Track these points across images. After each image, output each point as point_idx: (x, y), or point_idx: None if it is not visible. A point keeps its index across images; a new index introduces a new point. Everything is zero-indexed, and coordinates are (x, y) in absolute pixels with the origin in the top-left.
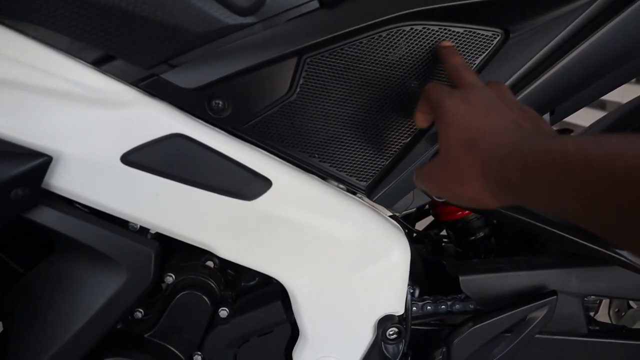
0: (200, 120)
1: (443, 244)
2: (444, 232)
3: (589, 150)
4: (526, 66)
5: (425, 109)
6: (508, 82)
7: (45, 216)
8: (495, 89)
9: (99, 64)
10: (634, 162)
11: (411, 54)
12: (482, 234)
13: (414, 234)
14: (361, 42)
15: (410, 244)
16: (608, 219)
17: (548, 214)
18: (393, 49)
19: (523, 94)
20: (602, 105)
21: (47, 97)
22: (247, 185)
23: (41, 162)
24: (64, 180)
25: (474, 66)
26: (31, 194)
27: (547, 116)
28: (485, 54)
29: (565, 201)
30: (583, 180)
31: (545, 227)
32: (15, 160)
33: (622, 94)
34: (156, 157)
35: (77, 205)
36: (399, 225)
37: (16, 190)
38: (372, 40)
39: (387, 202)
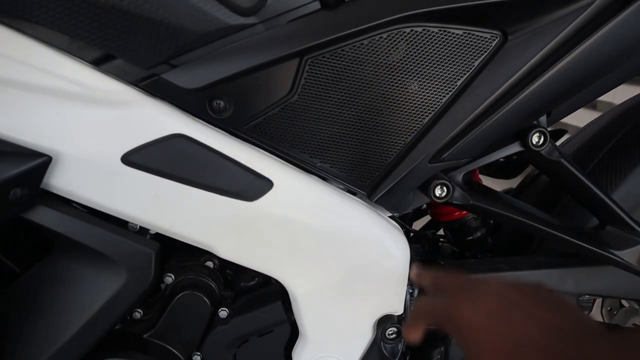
0: (201, 121)
1: (440, 243)
2: (441, 232)
3: None
4: (524, 68)
5: (420, 323)
6: (506, 84)
7: (44, 216)
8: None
9: (99, 63)
10: None
11: (411, 55)
12: (479, 234)
13: (411, 234)
14: (362, 44)
15: (408, 244)
16: None
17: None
18: (393, 50)
19: (521, 96)
20: (593, 105)
21: (47, 96)
22: (248, 186)
23: (41, 162)
24: (63, 181)
25: (473, 68)
26: (30, 194)
27: (544, 118)
28: (484, 55)
29: None
30: None
31: (541, 227)
32: (15, 160)
33: (614, 94)
34: (157, 158)
35: (76, 205)
36: (398, 226)
37: (15, 190)
38: (373, 42)
39: (387, 203)
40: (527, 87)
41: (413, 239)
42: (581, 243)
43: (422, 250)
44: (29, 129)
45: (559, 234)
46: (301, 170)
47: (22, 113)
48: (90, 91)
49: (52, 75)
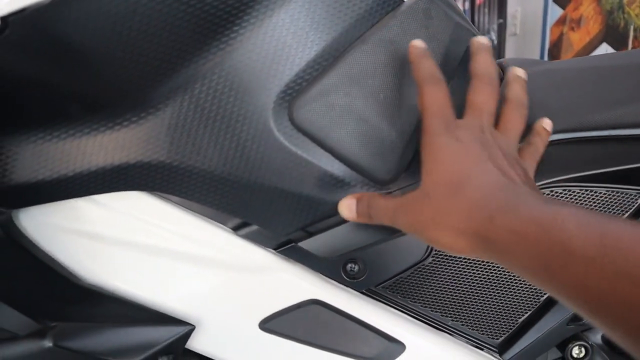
0: (335, 283)
1: None
2: None
3: (591, 238)
4: None
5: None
6: None
7: None
8: (488, 127)
9: (237, 229)
10: None
11: None
12: None
13: None
14: None
15: None
16: (604, 311)
17: None
18: None
19: None
20: None
21: (190, 264)
22: (381, 350)
23: (186, 331)
24: (203, 344)
25: None
26: (174, 359)
27: None
28: (628, 212)
29: (555, 282)
30: (580, 270)
31: None
32: (163, 330)
33: None
34: (293, 324)
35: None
36: None
37: (162, 358)
38: None
39: None
40: None
41: None
42: None
43: None
44: (175, 297)
45: None
46: (431, 329)
47: (168, 281)
48: (230, 257)
49: (195, 242)
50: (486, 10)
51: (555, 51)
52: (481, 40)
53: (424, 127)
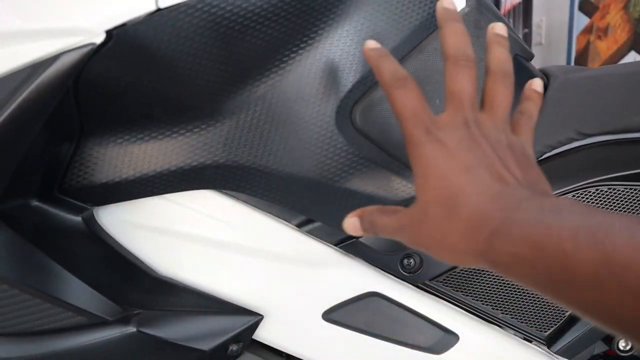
0: (393, 277)
1: None
2: None
3: (594, 259)
4: None
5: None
6: None
7: None
8: (472, 117)
9: (301, 226)
10: None
11: None
12: None
13: None
14: None
15: None
16: (611, 322)
17: None
18: None
19: None
20: None
21: (257, 258)
22: (437, 341)
23: (255, 321)
24: (269, 333)
25: None
26: (242, 347)
27: None
28: None
29: (563, 298)
30: (588, 291)
31: None
32: (234, 319)
33: None
34: (354, 315)
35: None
36: None
37: (232, 346)
38: None
39: (568, 354)
40: None
41: None
42: None
43: None
44: (243, 290)
45: None
46: (483, 322)
47: (236, 275)
48: (294, 252)
49: (262, 237)
50: (511, 20)
51: (581, 60)
52: (445, 4)
53: (404, 136)
